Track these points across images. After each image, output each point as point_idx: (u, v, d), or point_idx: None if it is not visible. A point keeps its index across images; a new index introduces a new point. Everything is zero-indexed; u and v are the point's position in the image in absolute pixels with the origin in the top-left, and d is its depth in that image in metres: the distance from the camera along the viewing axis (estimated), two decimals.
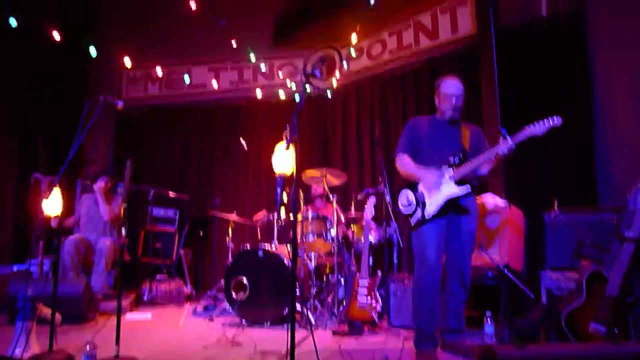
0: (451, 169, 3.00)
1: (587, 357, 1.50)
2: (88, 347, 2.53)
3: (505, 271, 3.54)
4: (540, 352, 1.52)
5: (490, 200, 3.99)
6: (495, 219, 3.86)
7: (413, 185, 3.11)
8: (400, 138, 3.32)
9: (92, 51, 5.97)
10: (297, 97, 2.63)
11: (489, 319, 3.24)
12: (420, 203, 3.03)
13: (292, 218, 2.63)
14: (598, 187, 4.31)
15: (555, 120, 2.76)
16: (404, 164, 3.20)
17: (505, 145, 2.84)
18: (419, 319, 3.03)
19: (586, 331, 2.75)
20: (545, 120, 2.77)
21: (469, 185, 2.99)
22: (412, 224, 3.10)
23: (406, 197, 3.12)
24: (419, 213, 3.03)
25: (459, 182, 2.98)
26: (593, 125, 4.41)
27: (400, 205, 3.17)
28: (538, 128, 2.78)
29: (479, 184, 3.19)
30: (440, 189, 3.00)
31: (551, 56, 4.67)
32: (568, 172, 4.46)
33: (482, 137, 3.27)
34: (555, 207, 3.72)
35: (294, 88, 6.55)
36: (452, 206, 3.02)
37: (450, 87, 3.15)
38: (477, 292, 3.77)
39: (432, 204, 3.00)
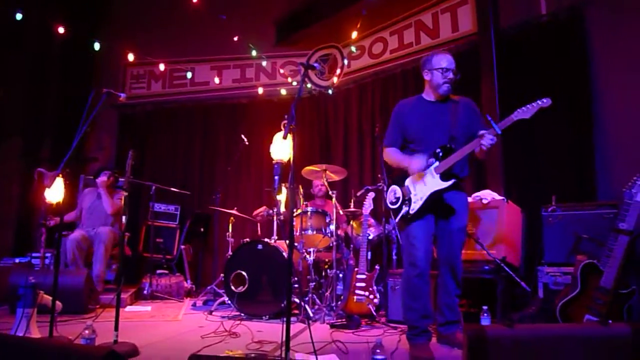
0: (437, 161, 2.92)
1: (575, 337, 1.52)
2: (87, 331, 2.56)
3: (502, 265, 3.56)
4: (529, 332, 1.54)
5: (488, 196, 4.02)
6: (493, 214, 3.88)
7: (401, 181, 3.05)
8: (387, 128, 3.23)
9: (96, 46, 6.03)
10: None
11: (485, 313, 3.24)
12: (407, 199, 2.97)
13: (290, 208, 2.65)
14: (597, 184, 4.32)
15: (545, 101, 2.65)
16: (390, 155, 3.17)
17: (489, 135, 2.73)
18: (410, 317, 2.99)
19: (580, 323, 2.76)
20: (534, 102, 2.66)
21: (454, 179, 2.92)
22: (398, 221, 3.03)
23: (393, 193, 3.07)
24: (404, 209, 2.97)
25: (444, 175, 2.90)
26: (592, 122, 4.42)
27: (388, 203, 3.11)
28: (526, 111, 2.67)
29: (465, 177, 3.10)
30: (425, 183, 2.94)
31: (551, 54, 4.72)
32: (567, 170, 4.49)
33: (473, 109, 3.13)
34: (553, 203, 3.73)
35: (295, 84, 6.63)
36: (437, 203, 2.95)
37: (443, 61, 3.02)
38: (474, 286, 3.79)
39: (417, 199, 2.94)
